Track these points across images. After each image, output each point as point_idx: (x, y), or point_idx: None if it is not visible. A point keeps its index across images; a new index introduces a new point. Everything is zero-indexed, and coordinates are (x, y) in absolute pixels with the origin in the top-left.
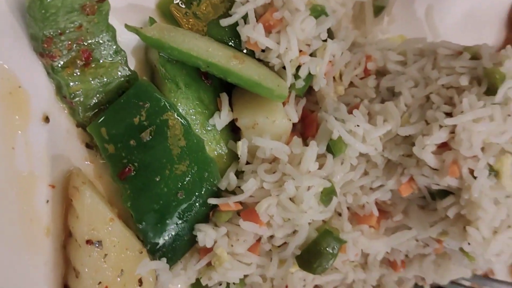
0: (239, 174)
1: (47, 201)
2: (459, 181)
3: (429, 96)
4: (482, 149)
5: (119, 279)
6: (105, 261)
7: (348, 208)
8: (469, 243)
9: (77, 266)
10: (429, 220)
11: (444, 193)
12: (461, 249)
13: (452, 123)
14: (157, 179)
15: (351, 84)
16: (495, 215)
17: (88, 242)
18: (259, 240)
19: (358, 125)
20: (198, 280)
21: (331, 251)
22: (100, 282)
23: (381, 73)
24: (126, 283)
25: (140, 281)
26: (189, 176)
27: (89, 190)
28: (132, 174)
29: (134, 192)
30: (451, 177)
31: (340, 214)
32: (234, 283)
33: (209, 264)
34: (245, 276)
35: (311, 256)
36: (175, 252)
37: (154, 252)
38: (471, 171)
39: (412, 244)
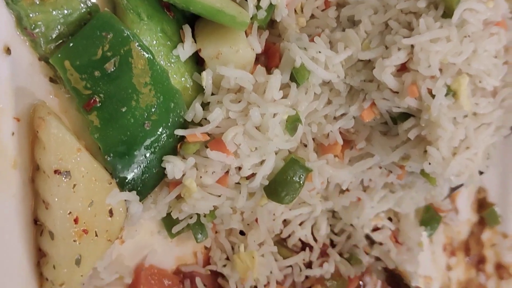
0: (205, 106)
1: (13, 134)
2: (419, 102)
3: (388, 23)
4: (440, 70)
5: (89, 209)
6: (74, 191)
7: (313, 139)
8: (429, 163)
9: (46, 197)
10: (391, 145)
11: (405, 116)
12: (422, 172)
13: (409, 43)
14: (123, 110)
15: (312, 16)
16: (454, 135)
17: (56, 172)
18: (227, 172)
19: (320, 52)
20: (169, 214)
21: (297, 179)
22: (70, 212)
23: (341, 4)
24: (97, 214)
25: (111, 212)
26: (155, 106)
27: (55, 121)
28: (98, 105)
29: (101, 123)
30: (410, 98)
31: (305, 145)
32: (204, 215)
33: (179, 197)
34: (215, 208)
35: (279, 186)
36: (145, 185)
37: (124, 186)
38: (430, 91)
39: (376, 172)
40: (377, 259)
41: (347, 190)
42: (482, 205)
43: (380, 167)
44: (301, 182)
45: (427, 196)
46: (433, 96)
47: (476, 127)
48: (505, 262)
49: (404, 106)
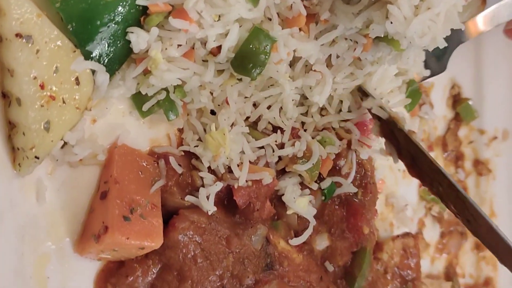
0: None
1: None
2: None
3: None
4: None
5: (55, 75)
6: (38, 56)
7: (278, 14)
8: (391, 22)
9: (10, 63)
10: (354, 11)
11: None
12: (386, 39)
13: None
14: None
15: None
16: None
17: (18, 35)
18: (194, 48)
19: None
20: (139, 92)
21: (263, 49)
22: (35, 77)
23: None
24: (63, 81)
25: (77, 80)
26: None
27: None
28: None
29: None
30: None
31: (270, 19)
32: (174, 92)
33: (146, 72)
34: (183, 83)
35: (245, 58)
36: (111, 60)
37: (89, 60)
38: None
39: (342, 46)
40: (349, 145)
41: (315, 70)
42: (457, 101)
43: (346, 39)
44: (266, 51)
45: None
46: None
47: None
48: (483, 158)
49: None
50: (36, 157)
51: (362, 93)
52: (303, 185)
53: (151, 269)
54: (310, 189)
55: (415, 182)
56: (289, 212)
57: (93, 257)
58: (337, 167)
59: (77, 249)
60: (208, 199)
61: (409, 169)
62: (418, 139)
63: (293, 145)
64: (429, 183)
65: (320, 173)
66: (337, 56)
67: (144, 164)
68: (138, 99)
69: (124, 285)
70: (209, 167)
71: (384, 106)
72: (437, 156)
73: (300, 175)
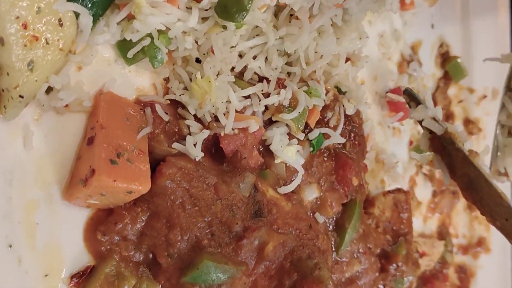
0: None
1: None
2: None
3: None
4: None
5: (37, 16)
6: None
7: None
8: None
9: None
10: None
11: None
12: None
13: None
14: None
15: None
16: None
17: None
18: None
19: None
20: (124, 40)
21: None
22: (17, 17)
23: None
24: (46, 22)
25: (60, 21)
26: None
27: None
28: None
29: None
30: None
31: None
32: (158, 38)
33: (130, 18)
34: (168, 30)
35: (228, 2)
36: (94, 4)
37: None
38: None
39: None
40: (336, 97)
41: (296, 18)
42: (446, 59)
43: None
44: None
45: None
46: None
47: None
48: (473, 117)
49: None
50: (21, 96)
51: (410, 97)
52: (290, 136)
53: (140, 216)
54: (298, 139)
55: (405, 139)
56: (277, 161)
57: (81, 204)
58: (325, 119)
59: (65, 195)
60: (195, 146)
61: (464, 192)
62: (481, 161)
63: (278, 94)
64: (489, 213)
65: (308, 124)
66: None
67: (131, 111)
68: (123, 46)
69: (113, 232)
70: (195, 116)
71: (438, 118)
72: None
73: (287, 125)
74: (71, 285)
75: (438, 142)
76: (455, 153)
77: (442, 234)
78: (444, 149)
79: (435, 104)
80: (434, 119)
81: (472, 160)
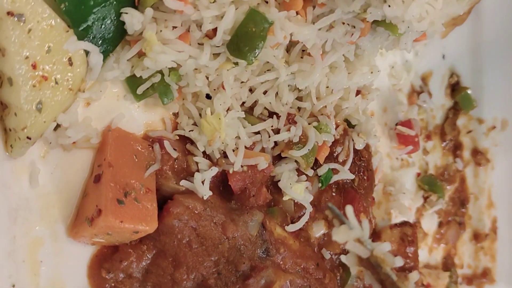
0: None
1: None
2: None
3: None
4: None
5: (47, 55)
6: (30, 36)
7: None
8: (389, 6)
9: (1, 42)
10: None
11: None
12: (384, 23)
13: None
14: None
15: None
16: None
17: (9, 13)
18: (189, 30)
19: None
20: (133, 75)
21: (259, 31)
22: (27, 57)
23: None
24: (56, 62)
25: (70, 61)
26: None
27: None
28: None
29: None
30: None
31: (266, 2)
32: (169, 75)
33: (141, 55)
34: (178, 66)
35: (241, 41)
36: (104, 41)
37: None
38: None
39: (340, 30)
40: (346, 132)
41: (308, 54)
42: (456, 90)
43: (343, 23)
44: (262, 34)
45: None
46: None
47: None
48: (482, 148)
49: None
50: (28, 138)
51: (333, 214)
52: (299, 172)
53: (146, 255)
54: (307, 175)
55: (413, 170)
56: (285, 198)
57: (86, 242)
58: (334, 154)
59: (71, 233)
60: (203, 184)
61: None
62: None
63: (288, 130)
64: None
65: (317, 160)
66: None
67: (139, 148)
68: (133, 82)
69: (118, 270)
70: (204, 153)
71: (364, 239)
72: (435, 146)
73: (296, 161)
74: None
75: (366, 259)
76: (383, 277)
77: (447, 264)
78: (373, 267)
79: (445, 136)
80: (359, 240)
81: (401, 285)
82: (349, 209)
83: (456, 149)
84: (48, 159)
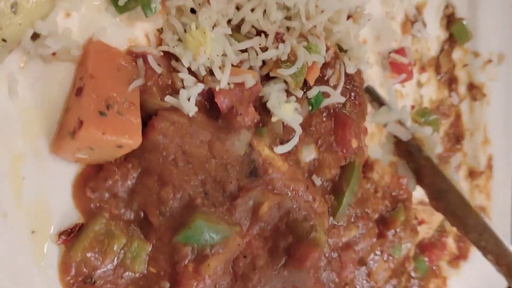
0: None
1: None
2: None
3: None
4: None
5: None
6: None
7: None
8: None
9: None
10: None
11: None
12: None
13: None
14: None
15: None
16: None
17: None
18: None
19: None
20: None
21: None
22: None
23: None
24: None
25: None
26: None
27: None
28: None
29: None
30: None
31: None
32: None
33: None
34: None
35: None
36: None
37: None
38: None
39: None
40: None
41: None
42: (451, 21)
43: None
44: None
45: None
46: None
47: None
48: (478, 82)
49: None
50: (4, 40)
51: (371, 96)
52: (288, 93)
53: (131, 173)
54: (296, 97)
55: (407, 103)
56: (274, 119)
57: (69, 158)
58: (325, 78)
59: (53, 148)
60: (189, 100)
61: (432, 201)
62: (452, 169)
63: (277, 47)
64: (460, 225)
65: (306, 82)
66: None
67: (122, 62)
68: None
69: (103, 189)
70: (189, 69)
71: (404, 121)
72: (430, 78)
73: (285, 82)
74: (59, 242)
75: (404, 147)
76: (423, 162)
77: None
78: (410, 155)
79: (439, 68)
80: (400, 122)
81: (442, 170)
82: (390, 89)
83: (451, 82)
84: (28, 70)
